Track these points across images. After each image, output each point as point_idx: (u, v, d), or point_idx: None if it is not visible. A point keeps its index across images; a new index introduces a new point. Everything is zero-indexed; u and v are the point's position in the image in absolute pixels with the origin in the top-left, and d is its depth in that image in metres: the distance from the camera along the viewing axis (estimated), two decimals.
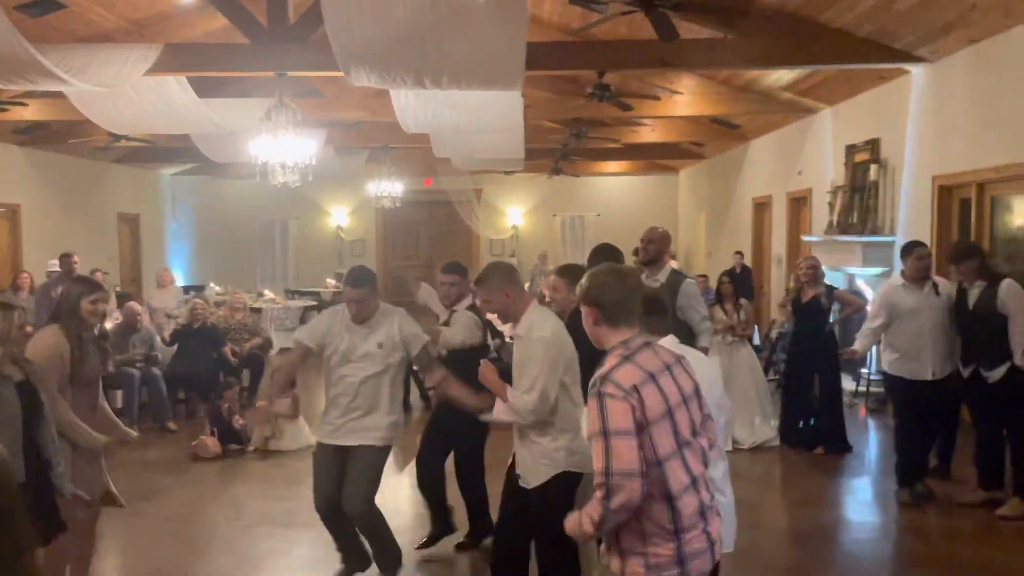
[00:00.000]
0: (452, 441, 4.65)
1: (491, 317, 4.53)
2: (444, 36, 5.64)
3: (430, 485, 4.68)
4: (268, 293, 12.86)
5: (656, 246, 5.11)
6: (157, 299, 10.19)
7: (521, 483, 3.43)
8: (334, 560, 4.30)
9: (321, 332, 4.06)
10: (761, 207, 12.51)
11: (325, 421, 4.08)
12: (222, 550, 4.88)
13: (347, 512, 4.00)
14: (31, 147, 12.29)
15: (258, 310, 11.49)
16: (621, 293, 2.51)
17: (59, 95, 8.37)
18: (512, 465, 3.59)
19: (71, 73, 6.43)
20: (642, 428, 2.32)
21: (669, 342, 3.02)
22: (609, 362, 2.43)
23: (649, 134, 12.77)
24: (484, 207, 17.78)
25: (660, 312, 3.18)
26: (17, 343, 3.26)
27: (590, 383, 2.41)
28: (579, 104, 8.94)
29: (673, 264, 15.41)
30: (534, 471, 3.37)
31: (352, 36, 5.63)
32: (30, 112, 9.54)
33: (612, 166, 17.11)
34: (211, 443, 6.59)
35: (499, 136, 10.36)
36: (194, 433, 7.01)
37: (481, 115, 8.70)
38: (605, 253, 4.54)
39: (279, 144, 7.59)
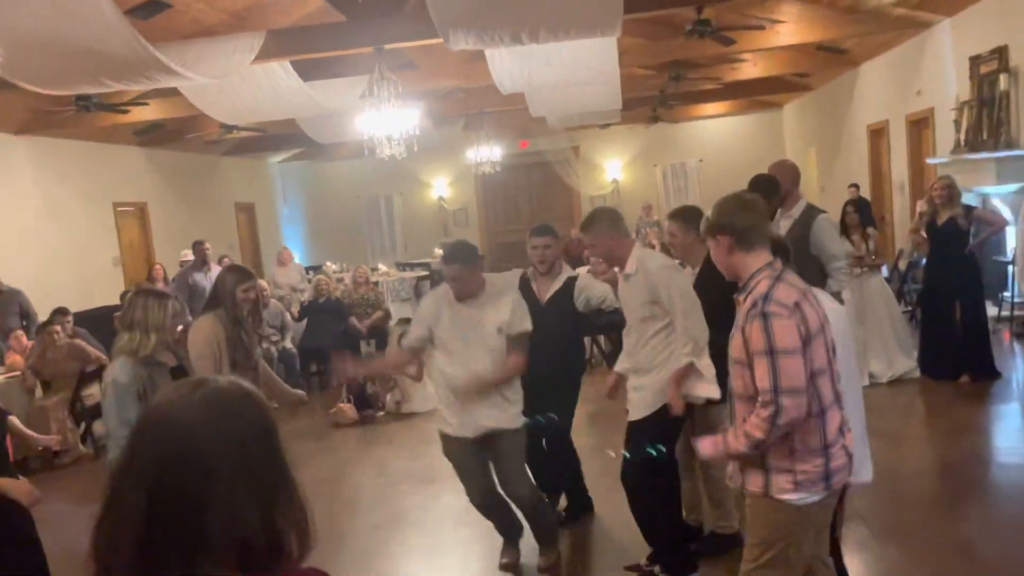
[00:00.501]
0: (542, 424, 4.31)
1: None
2: None
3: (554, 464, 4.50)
4: (382, 267, 13.21)
5: (784, 180, 4.80)
6: (281, 276, 10.67)
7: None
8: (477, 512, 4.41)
9: (426, 327, 3.77)
10: (877, 134, 11.88)
11: (451, 413, 3.81)
12: (372, 507, 5.12)
13: (511, 496, 3.90)
14: (151, 147, 12.98)
15: (376, 283, 11.84)
16: (752, 217, 2.52)
17: (173, 93, 8.78)
18: None
19: (186, 67, 6.73)
20: (805, 344, 2.36)
21: None
22: (761, 283, 2.41)
23: (750, 69, 12.28)
24: (582, 163, 17.61)
25: (783, 253, 3.16)
26: (170, 331, 3.44)
27: (751, 303, 2.41)
28: (678, 44, 8.68)
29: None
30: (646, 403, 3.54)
31: None
32: (149, 112, 10.04)
33: (712, 108, 16.58)
34: (348, 410, 6.88)
35: (595, 88, 10.21)
36: (330, 402, 7.33)
37: (576, 68, 8.59)
38: (761, 184, 4.47)
39: (383, 117, 7.75)
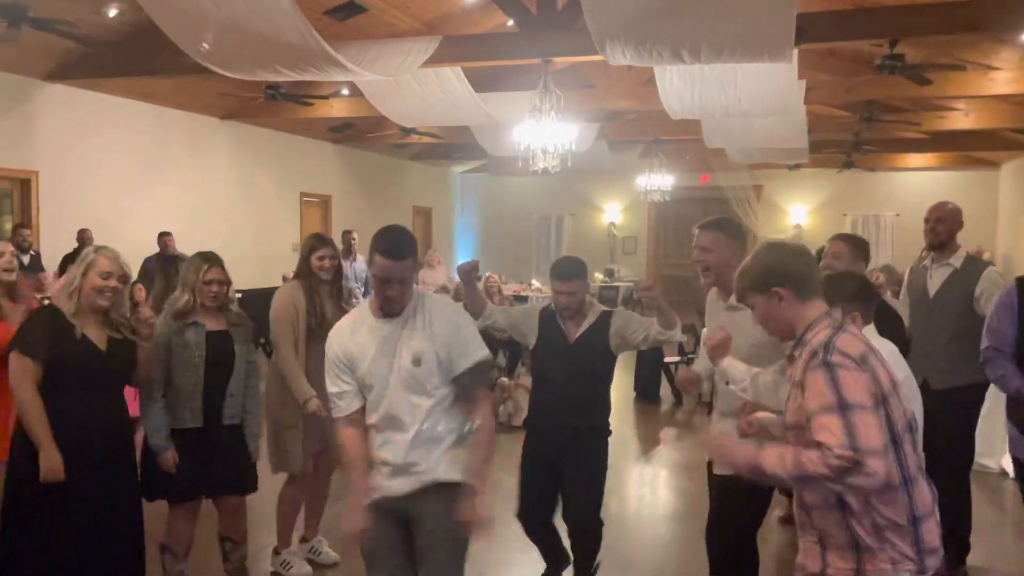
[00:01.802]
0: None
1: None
2: (701, 2, 5.33)
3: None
4: (536, 283, 13.26)
5: (946, 225, 4.30)
6: (428, 277, 10.99)
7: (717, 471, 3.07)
8: None
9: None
10: None
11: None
12: None
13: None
14: (342, 144, 13.82)
15: (524, 297, 11.92)
16: (806, 262, 2.23)
17: (359, 93, 9.29)
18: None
19: (362, 65, 7.06)
20: (877, 403, 2.01)
21: (869, 332, 2.70)
22: (820, 333, 2.08)
23: (960, 119, 11.19)
24: (764, 204, 16.82)
25: (868, 297, 2.85)
26: (205, 293, 3.43)
27: (809, 355, 2.06)
28: (866, 80, 8.03)
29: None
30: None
31: (607, 10, 5.51)
32: (335, 109, 10.68)
33: (915, 159, 15.30)
34: None
35: (776, 121, 9.68)
36: None
37: (754, 98, 8.17)
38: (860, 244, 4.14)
39: (541, 129, 7.75)
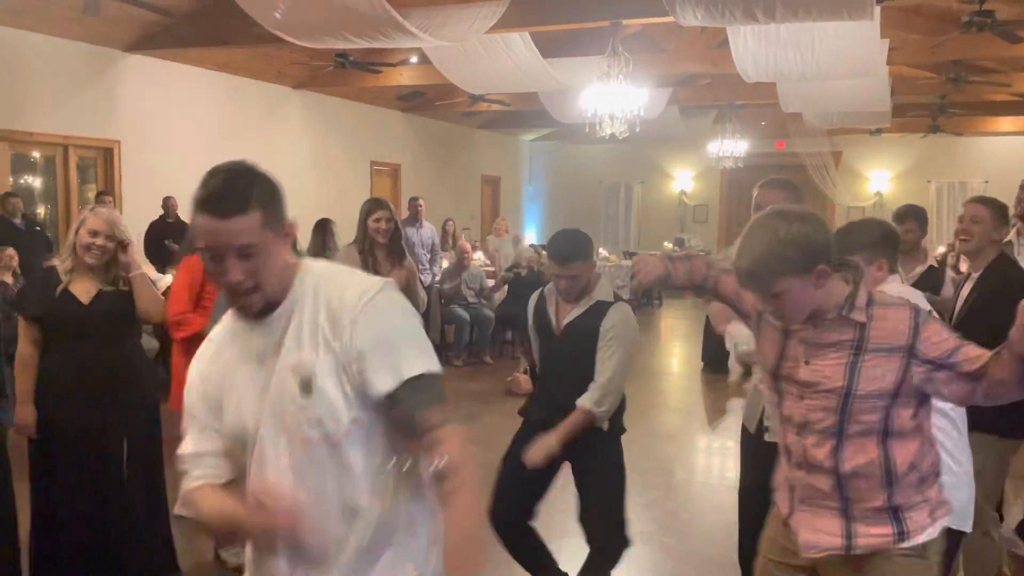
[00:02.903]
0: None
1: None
2: None
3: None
4: (603, 252, 13.17)
5: None
6: (492, 244, 11.08)
7: None
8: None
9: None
10: None
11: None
12: None
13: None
14: (411, 112, 13.90)
15: None
16: (829, 231, 2.03)
17: (428, 61, 9.31)
18: None
19: (429, 31, 7.06)
20: None
21: (895, 282, 2.62)
22: (862, 290, 2.01)
23: None
24: (843, 171, 16.24)
25: (892, 243, 2.66)
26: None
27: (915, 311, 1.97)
28: (953, 38, 7.62)
29: None
30: None
31: None
32: (405, 77, 10.73)
33: (1005, 123, 14.50)
34: (523, 380, 6.90)
35: (856, 84, 9.29)
36: (510, 370, 7.43)
37: (833, 59, 7.85)
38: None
39: (609, 94, 7.64)
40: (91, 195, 8.76)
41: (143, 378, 3.42)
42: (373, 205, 4.12)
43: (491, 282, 8.92)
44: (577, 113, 11.30)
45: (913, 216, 4.35)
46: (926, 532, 1.97)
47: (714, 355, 8.46)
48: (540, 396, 3.34)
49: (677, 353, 10.31)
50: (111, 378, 3.24)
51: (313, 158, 11.89)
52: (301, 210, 10.67)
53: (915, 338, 1.90)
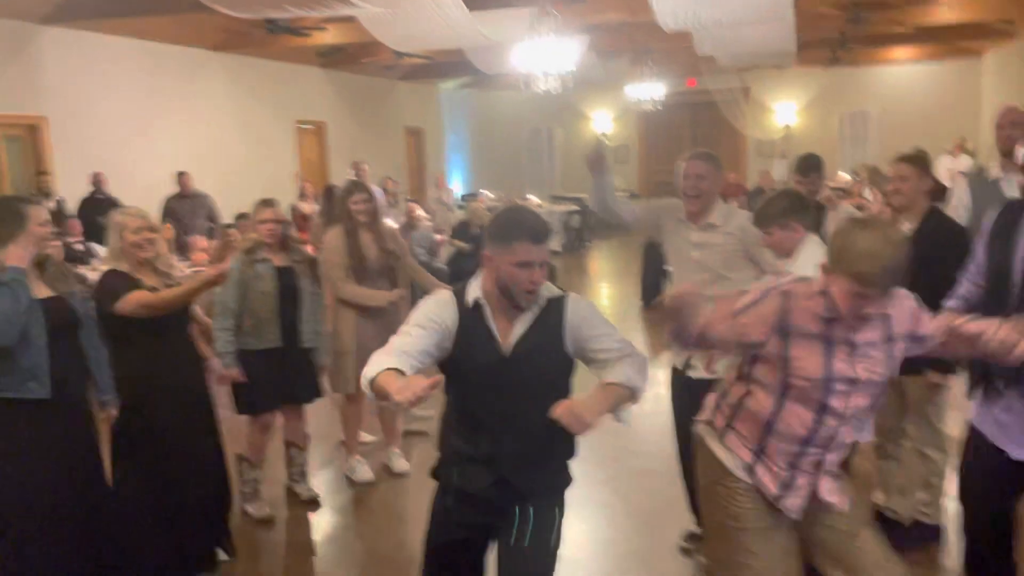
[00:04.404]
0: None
1: None
2: None
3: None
4: (533, 199, 13.55)
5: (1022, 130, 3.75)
6: (434, 195, 11.32)
7: None
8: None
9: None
10: None
11: None
12: None
13: None
14: (331, 69, 13.80)
15: None
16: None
17: (352, 19, 9.33)
18: None
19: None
20: None
21: (812, 242, 2.95)
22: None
23: (945, 14, 11.31)
24: (752, 106, 16.97)
25: (801, 207, 3.02)
26: (274, 236, 3.96)
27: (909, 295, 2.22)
28: None
29: (966, 159, 13.57)
30: None
31: None
32: (329, 36, 10.71)
33: (899, 52, 15.40)
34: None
35: (768, 28, 9.84)
36: None
37: (746, 7, 8.33)
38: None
39: (540, 52, 7.92)
40: (24, 174, 8.60)
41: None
42: (352, 187, 4.37)
43: (439, 237, 9.20)
44: (503, 64, 11.53)
45: (815, 168, 4.41)
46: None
47: (653, 293, 9.01)
48: (462, 452, 2.33)
49: (613, 293, 10.87)
50: (191, 367, 3.52)
51: (237, 121, 11.78)
52: (228, 174, 10.75)
53: (917, 324, 2.18)
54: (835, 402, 2.14)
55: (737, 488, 2.25)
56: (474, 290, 2.27)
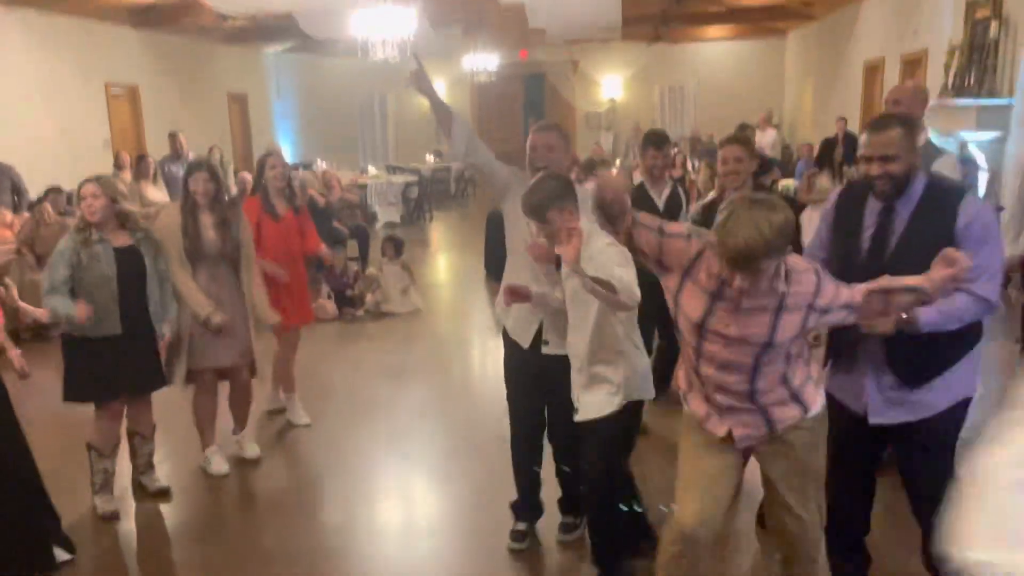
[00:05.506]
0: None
1: None
2: None
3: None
4: (372, 170, 13.33)
5: (905, 108, 3.66)
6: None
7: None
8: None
9: None
10: (872, 71, 11.90)
11: None
12: (344, 398, 5.45)
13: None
14: (146, 29, 12.81)
15: (364, 186, 12.02)
16: None
17: None
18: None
19: None
20: None
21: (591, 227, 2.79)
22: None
23: None
24: (580, 78, 17.51)
25: (571, 191, 2.78)
26: (122, 214, 3.71)
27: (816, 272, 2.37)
28: None
29: (772, 132, 14.57)
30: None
31: None
32: None
33: (715, 31, 16.43)
34: (329, 306, 7.16)
35: (593, 2, 10.18)
36: (312, 297, 7.57)
37: None
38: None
39: (378, 19, 7.77)
40: None
41: None
42: (193, 166, 4.10)
43: None
44: (334, 29, 11.20)
45: (667, 141, 4.53)
46: (818, 403, 2.54)
47: (498, 264, 9.13)
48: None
49: (456, 264, 10.94)
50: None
51: (39, 84, 10.70)
52: (31, 141, 9.79)
53: (816, 296, 2.31)
54: (708, 348, 2.39)
55: (685, 411, 2.66)
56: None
